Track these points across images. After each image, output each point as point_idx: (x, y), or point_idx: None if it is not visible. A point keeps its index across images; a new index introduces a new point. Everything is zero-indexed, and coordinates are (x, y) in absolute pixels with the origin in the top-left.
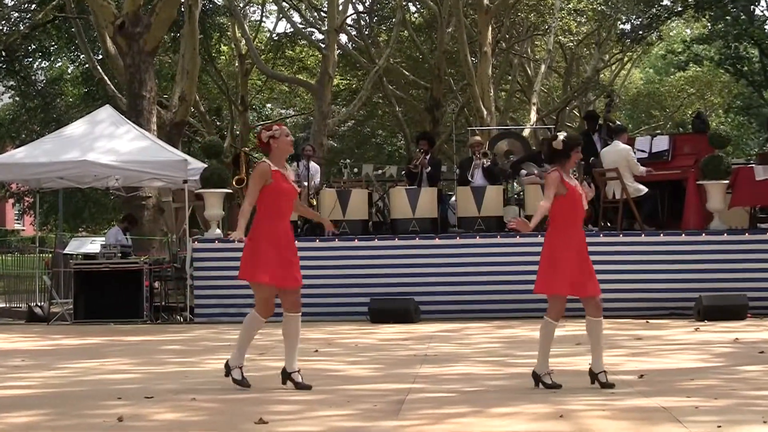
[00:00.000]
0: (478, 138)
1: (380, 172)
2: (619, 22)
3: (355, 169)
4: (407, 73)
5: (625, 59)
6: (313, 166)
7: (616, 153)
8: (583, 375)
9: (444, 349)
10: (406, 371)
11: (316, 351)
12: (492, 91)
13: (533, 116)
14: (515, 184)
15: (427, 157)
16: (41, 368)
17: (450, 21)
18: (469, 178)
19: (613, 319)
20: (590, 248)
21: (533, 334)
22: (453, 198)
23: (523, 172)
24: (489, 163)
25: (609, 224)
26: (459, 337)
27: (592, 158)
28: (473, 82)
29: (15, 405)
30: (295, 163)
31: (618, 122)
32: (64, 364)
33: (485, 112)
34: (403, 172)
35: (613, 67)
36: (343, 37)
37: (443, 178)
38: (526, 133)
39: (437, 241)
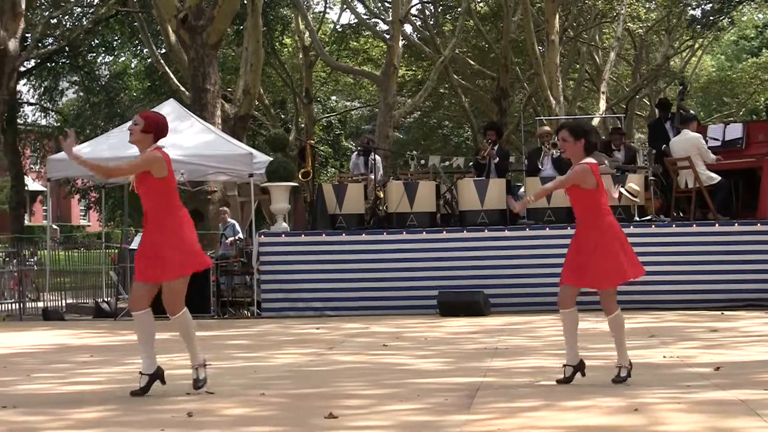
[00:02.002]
0: (547, 128)
1: (447, 163)
2: (689, 8)
3: (422, 161)
4: (473, 63)
5: (696, 46)
6: (377, 158)
7: (686, 141)
8: (657, 368)
9: (514, 342)
10: (476, 365)
11: (385, 345)
12: (560, 80)
13: (602, 105)
14: None
15: (495, 147)
16: (109, 364)
17: (516, 9)
18: (540, 166)
19: (687, 311)
20: (663, 239)
21: (604, 326)
22: (522, 189)
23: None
24: (558, 153)
25: (682, 214)
26: (529, 330)
27: (663, 146)
28: (541, 71)
29: (83, 401)
30: (357, 155)
31: (690, 110)
32: (131, 359)
33: (553, 102)
34: (471, 164)
35: (684, 54)
36: (408, 28)
37: (511, 169)
38: (595, 122)
39: (506, 233)
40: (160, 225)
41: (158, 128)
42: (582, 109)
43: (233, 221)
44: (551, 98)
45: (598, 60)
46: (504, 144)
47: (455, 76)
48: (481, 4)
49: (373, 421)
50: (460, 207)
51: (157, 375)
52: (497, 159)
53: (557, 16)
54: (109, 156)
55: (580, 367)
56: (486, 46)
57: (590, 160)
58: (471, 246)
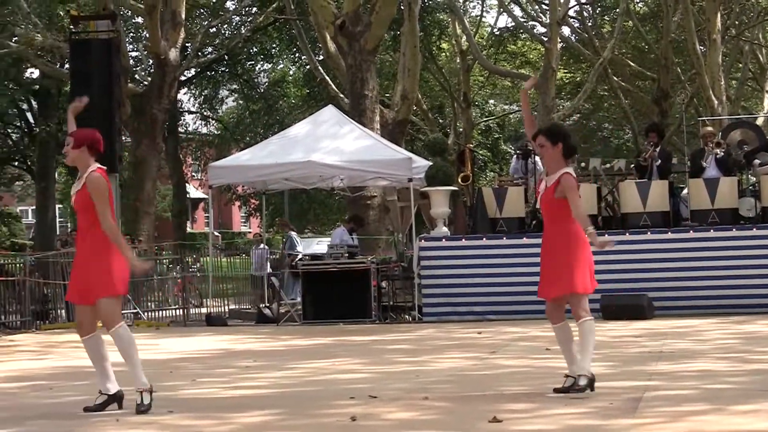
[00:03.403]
0: (710, 128)
1: (608, 165)
2: None
3: (583, 164)
4: (633, 64)
5: None
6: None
7: None
8: None
9: (679, 346)
10: (641, 368)
11: (548, 349)
12: (722, 79)
13: (767, 104)
14: (750, 175)
15: (657, 149)
16: (272, 369)
17: (676, 9)
18: (704, 164)
19: None
20: None
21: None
22: (685, 191)
23: (758, 162)
24: (722, 153)
25: None
26: (694, 333)
27: None
28: (702, 71)
29: (247, 405)
30: (517, 159)
31: None
32: (294, 364)
33: (716, 102)
34: (632, 166)
35: None
36: (566, 30)
37: (674, 171)
38: (759, 122)
39: (669, 235)
40: (90, 243)
41: (89, 141)
42: (745, 109)
43: (292, 233)
44: (713, 98)
45: (761, 58)
46: (666, 145)
47: (615, 78)
48: (640, 5)
49: (538, 425)
50: (622, 209)
51: (117, 397)
52: (659, 161)
53: (718, 15)
54: (269, 162)
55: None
56: (645, 46)
57: (569, 169)
58: (634, 248)
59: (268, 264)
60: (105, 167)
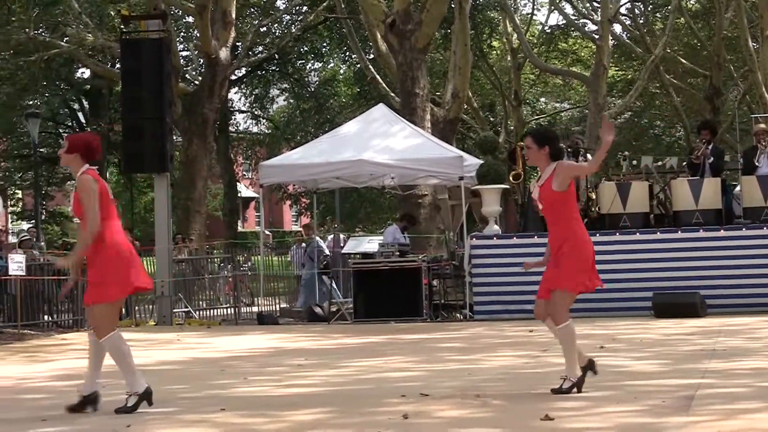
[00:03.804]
0: (762, 126)
1: (660, 163)
2: None
3: (634, 162)
4: (684, 61)
5: None
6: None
7: None
8: None
9: (732, 344)
10: (693, 366)
11: (602, 347)
12: None
13: None
14: None
15: (709, 146)
16: (323, 367)
17: (729, 5)
18: (756, 164)
19: None
20: None
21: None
22: (737, 188)
23: None
24: None
25: None
26: (747, 331)
27: None
28: (755, 67)
29: (300, 403)
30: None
31: None
32: (345, 362)
33: None
34: (684, 163)
35: None
36: (617, 27)
37: (726, 168)
38: None
39: (722, 233)
40: (93, 249)
41: (84, 148)
42: None
43: (317, 238)
44: (766, 95)
45: None
46: (718, 143)
47: (666, 75)
48: (692, 1)
49: (590, 423)
50: (674, 207)
51: (147, 394)
52: (711, 158)
53: None
54: (320, 161)
55: (589, 366)
56: (698, 43)
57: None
58: (686, 246)
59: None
60: (96, 168)
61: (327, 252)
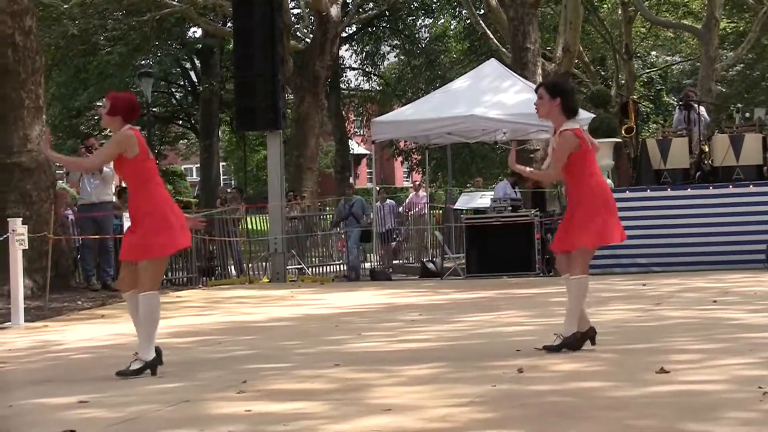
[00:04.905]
0: None
1: None
2: None
3: (747, 114)
4: None
5: None
6: (702, 111)
7: None
8: None
9: None
10: None
11: (715, 301)
12: None
13: None
14: None
15: None
16: (437, 322)
17: None
18: None
19: None
20: None
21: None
22: None
23: None
24: None
25: None
26: None
27: None
28: None
29: (414, 358)
30: (680, 110)
31: None
32: (458, 318)
33: None
34: None
35: None
36: None
37: None
38: None
39: None
40: (135, 206)
41: (125, 109)
42: None
43: (359, 197)
44: None
45: None
46: None
47: None
48: None
49: (705, 376)
50: None
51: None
52: None
53: None
54: (432, 117)
55: (589, 335)
56: None
57: (572, 125)
58: None
59: (392, 219)
60: (138, 127)
61: (371, 213)
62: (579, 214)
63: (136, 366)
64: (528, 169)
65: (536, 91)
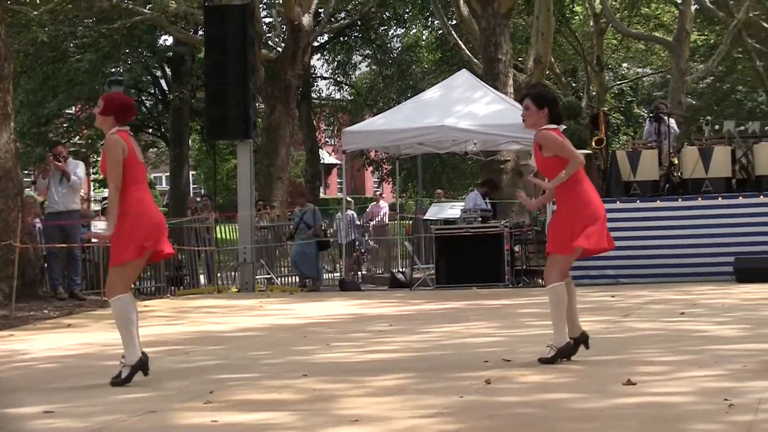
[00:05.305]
0: None
1: (743, 128)
2: None
3: (716, 126)
4: (767, 26)
5: None
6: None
7: None
8: None
9: None
10: None
11: (683, 313)
12: None
13: None
14: None
15: None
16: (405, 333)
17: None
18: None
19: None
20: None
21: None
22: None
23: None
24: None
25: None
26: None
27: None
28: None
29: (382, 369)
30: (650, 122)
31: None
32: (427, 328)
33: None
34: (767, 128)
35: None
36: None
37: None
38: None
39: None
40: (119, 209)
41: (118, 110)
42: None
43: (312, 206)
44: None
45: None
46: None
47: (749, 40)
48: None
49: (672, 388)
50: (757, 172)
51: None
52: None
53: None
54: (403, 127)
55: (582, 339)
56: None
57: (551, 125)
58: None
59: (353, 230)
60: (126, 129)
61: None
62: (569, 217)
63: (126, 373)
64: (548, 183)
65: (521, 102)
